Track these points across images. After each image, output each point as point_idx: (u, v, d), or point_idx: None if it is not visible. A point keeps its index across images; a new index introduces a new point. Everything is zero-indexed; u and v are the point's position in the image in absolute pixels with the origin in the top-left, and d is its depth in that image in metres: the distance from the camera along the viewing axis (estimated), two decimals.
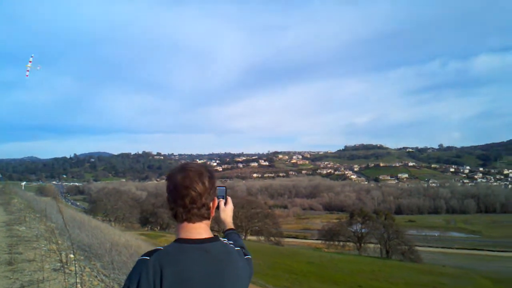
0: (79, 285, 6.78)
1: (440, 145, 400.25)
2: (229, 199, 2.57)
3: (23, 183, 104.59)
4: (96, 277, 8.29)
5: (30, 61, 37.92)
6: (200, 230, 1.99)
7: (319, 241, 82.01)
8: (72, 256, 9.18)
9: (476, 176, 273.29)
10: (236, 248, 2.13)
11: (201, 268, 1.85)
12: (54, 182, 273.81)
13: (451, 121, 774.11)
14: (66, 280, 7.18)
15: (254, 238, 78.95)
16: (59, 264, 8.51)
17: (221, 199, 2.54)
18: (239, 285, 2.01)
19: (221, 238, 2.09)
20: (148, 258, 1.82)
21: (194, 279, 1.81)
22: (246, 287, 2.10)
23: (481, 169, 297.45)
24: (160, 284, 1.75)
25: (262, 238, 78.16)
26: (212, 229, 2.11)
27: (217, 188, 2.48)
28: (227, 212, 2.56)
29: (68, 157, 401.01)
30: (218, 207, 2.47)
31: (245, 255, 2.24)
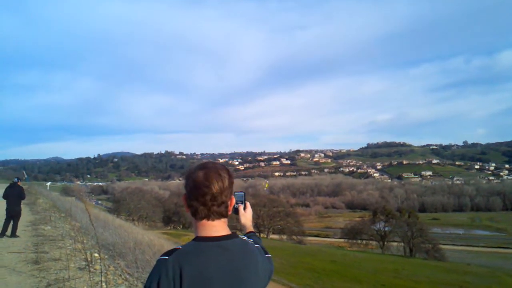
0: (103, 284, 6.88)
1: (465, 142, 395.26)
2: (248, 204, 2.61)
3: (48, 183, 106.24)
4: (120, 275, 8.40)
5: None
6: (218, 227, 2.00)
7: (342, 240, 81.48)
8: (97, 255, 9.31)
9: (501, 173, 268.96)
10: (256, 245, 2.14)
11: (221, 265, 1.86)
12: (78, 182, 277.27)
13: (476, 118, 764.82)
14: (91, 279, 7.30)
15: (276, 236, 78.94)
16: (84, 263, 8.65)
17: (240, 204, 2.59)
18: (259, 282, 2.02)
19: (240, 235, 2.11)
20: (167, 258, 1.82)
21: (214, 277, 1.82)
22: (265, 285, 2.10)
23: (507, 166, 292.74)
24: (180, 283, 1.76)
25: (284, 236, 78.08)
26: (235, 228, 2.13)
27: (236, 193, 2.53)
28: (247, 216, 2.59)
29: (92, 157, 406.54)
30: (237, 212, 2.56)
31: (266, 253, 2.24)
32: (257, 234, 2.61)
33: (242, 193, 2.63)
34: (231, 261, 1.90)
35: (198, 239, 1.96)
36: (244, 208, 2.60)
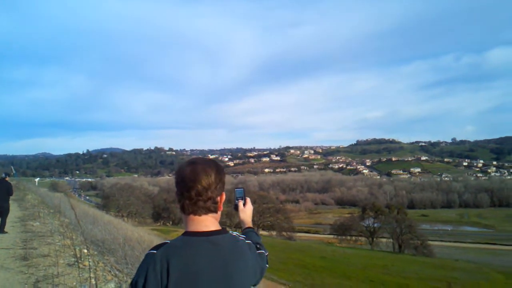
0: (93, 280, 6.84)
1: (453, 139, 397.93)
2: (248, 200, 2.65)
3: (37, 179, 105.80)
4: (109, 272, 8.37)
5: None
6: (207, 222, 2.01)
7: (331, 236, 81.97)
8: (86, 251, 9.27)
9: (489, 170, 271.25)
10: (247, 242, 2.15)
11: (209, 260, 1.87)
12: (67, 178, 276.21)
13: (465, 115, 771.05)
14: (80, 275, 7.26)
15: (266, 233, 79.03)
16: (73, 259, 8.59)
17: (240, 200, 2.65)
18: (248, 278, 2.03)
19: (230, 231, 2.11)
20: (155, 251, 1.84)
21: (202, 271, 1.83)
22: (257, 281, 2.13)
23: (494, 162, 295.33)
24: (167, 276, 1.77)
25: (274, 233, 78.21)
26: (224, 224, 2.12)
27: (236, 189, 2.65)
28: (246, 212, 2.62)
29: (81, 153, 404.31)
30: (237, 208, 2.62)
31: (259, 249, 2.27)
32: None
33: (242, 189, 2.68)
34: (220, 256, 1.92)
35: (187, 233, 1.98)
36: (244, 204, 2.64)
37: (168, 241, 1.92)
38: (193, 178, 1.97)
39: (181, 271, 1.79)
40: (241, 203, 2.63)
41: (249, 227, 2.57)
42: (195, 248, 1.88)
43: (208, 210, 2.03)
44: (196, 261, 1.84)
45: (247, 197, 2.66)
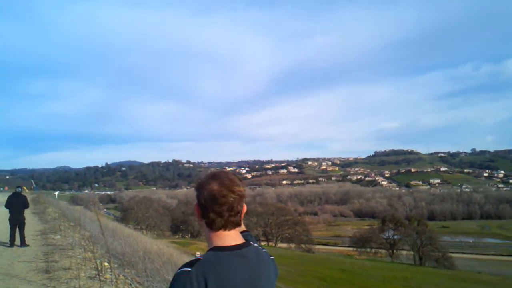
0: None
1: (473, 149, 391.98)
2: None
3: (57, 192, 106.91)
4: (130, 284, 8.42)
5: None
6: (234, 236, 2.00)
7: (351, 248, 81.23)
8: (107, 264, 9.34)
9: (511, 181, 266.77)
10: (263, 250, 2.15)
11: (242, 274, 1.87)
12: (86, 191, 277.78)
13: (484, 125, 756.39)
14: None
15: (284, 245, 78.79)
16: (94, 272, 8.67)
17: None
18: (272, 286, 2.05)
19: (252, 242, 2.12)
20: (190, 269, 1.80)
21: (236, 286, 1.83)
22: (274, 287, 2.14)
23: None
24: None
25: (292, 245, 77.95)
26: None
27: None
28: None
29: (100, 166, 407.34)
30: None
31: (269, 256, 2.24)
32: (251, 233, 2.59)
33: None
34: (249, 269, 1.92)
35: (216, 249, 1.95)
36: None
37: (200, 258, 1.90)
38: (224, 193, 1.95)
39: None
40: None
41: (245, 231, 2.51)
42: (228, 263, 1.87)
43: (237, 224, 2.03)
44: (230, 276, 1.83)
45: None
